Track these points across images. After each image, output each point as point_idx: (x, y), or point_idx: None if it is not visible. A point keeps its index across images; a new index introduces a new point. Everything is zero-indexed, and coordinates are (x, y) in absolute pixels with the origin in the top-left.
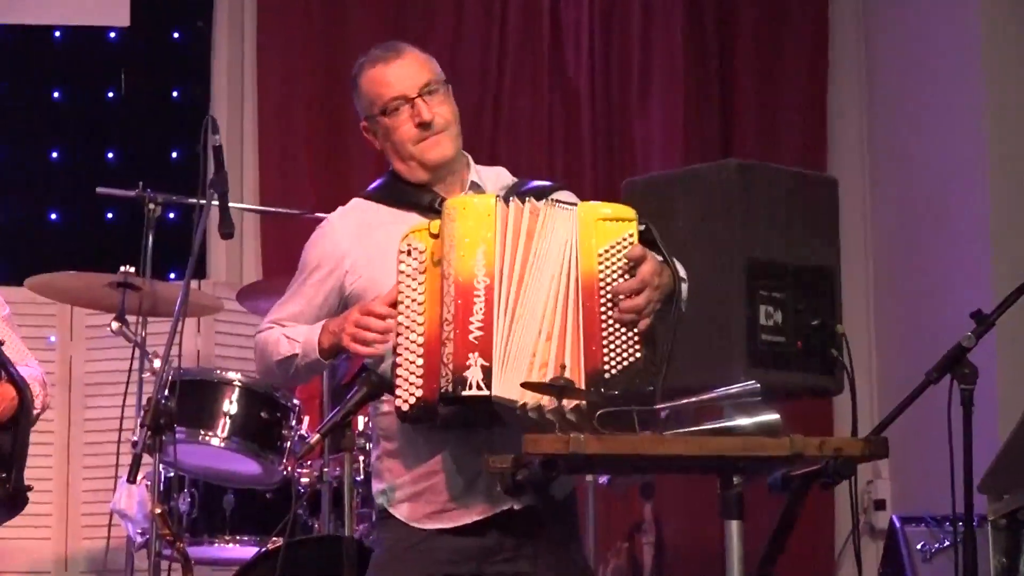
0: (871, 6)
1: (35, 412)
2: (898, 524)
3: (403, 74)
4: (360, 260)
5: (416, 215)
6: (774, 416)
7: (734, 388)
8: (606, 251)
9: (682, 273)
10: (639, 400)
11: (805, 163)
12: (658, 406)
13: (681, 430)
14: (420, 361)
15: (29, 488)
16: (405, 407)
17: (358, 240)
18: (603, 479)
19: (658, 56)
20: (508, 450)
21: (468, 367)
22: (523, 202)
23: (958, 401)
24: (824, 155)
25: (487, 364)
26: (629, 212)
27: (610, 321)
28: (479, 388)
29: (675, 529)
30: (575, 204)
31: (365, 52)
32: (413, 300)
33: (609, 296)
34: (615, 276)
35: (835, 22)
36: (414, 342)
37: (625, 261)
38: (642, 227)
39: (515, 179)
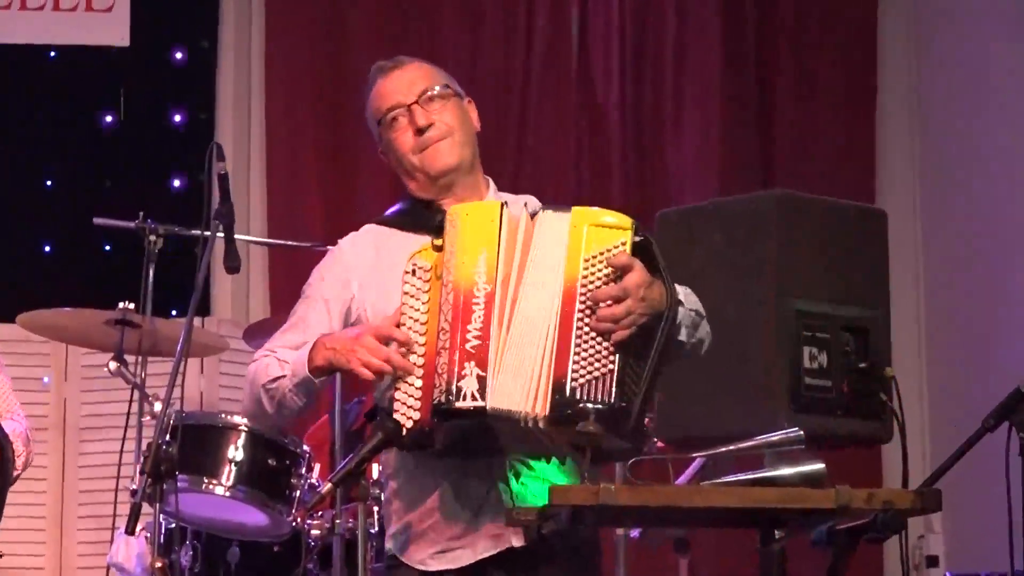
0: (922, 24)
1: (15, 472)
2: None
3: (401, 82)
4: (368, 285)
5: (428, 238)
6: (819, 465)
7: (776, 435)
8: (593, 257)
9: (683, 298)
10: (613, 417)
11: (852, 194)
12: (695, 454)
13: (719, 480)
14: (419, 383)
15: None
16: (402, 431)
17: (367, 265)
18: (635, 532)
19: (692, 78)
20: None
21: (464, 377)
22: (524, 208)
23: (1016, 450)
24: (872, 185)
25: (483, 374)
26: (625, 221)
27: (585, 329)
28: (474, 399)
29: None
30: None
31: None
32: (416, 320)
33: (588, 303)
34: (598, 283)
35: (884, 42)
36: (414, 363)
37: (611, 269)
38: (638, 238)
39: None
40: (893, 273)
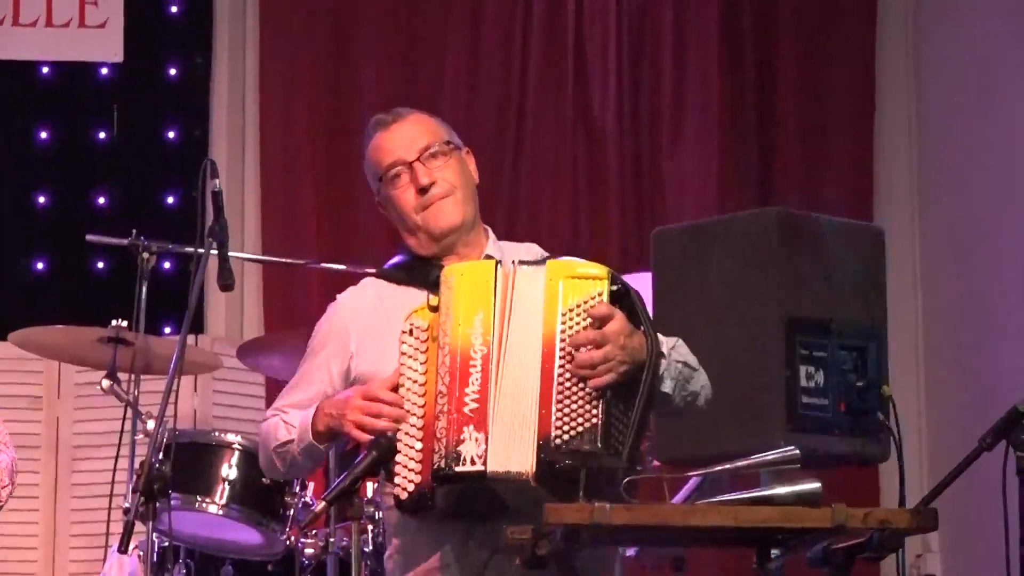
0: (920, 40)
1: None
2: None
3: (401, 138)
4: (366, 342)
5: (426, 294)
6: (815, 484)
7: (772, 454)
8: (570, 310)
9: (672, 350)
10: (600, 470)
11: (850, 210)
12: (691, 473)
13: (714, 499)
14: (419, 445)
15: None
16: (403, 495)
17: (365, 320)
18: (631, 551)
19: (691, 93)
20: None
21: (463, 441)
22: (512, 265)
23: (1013, 469)
24: (870, 203)
25: (482, 437)
26: (601, 270)
27: (566, 384)
28: (473, 463)
29: None
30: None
31: (376, 92)
32: (414, 382)
33: (567, 355)
34: (576, 335)
35: (882, 60)
36: (414, 426)
37: (590, 320)
38: (615, 287)
39: (546, 255)
40: (891, 291)
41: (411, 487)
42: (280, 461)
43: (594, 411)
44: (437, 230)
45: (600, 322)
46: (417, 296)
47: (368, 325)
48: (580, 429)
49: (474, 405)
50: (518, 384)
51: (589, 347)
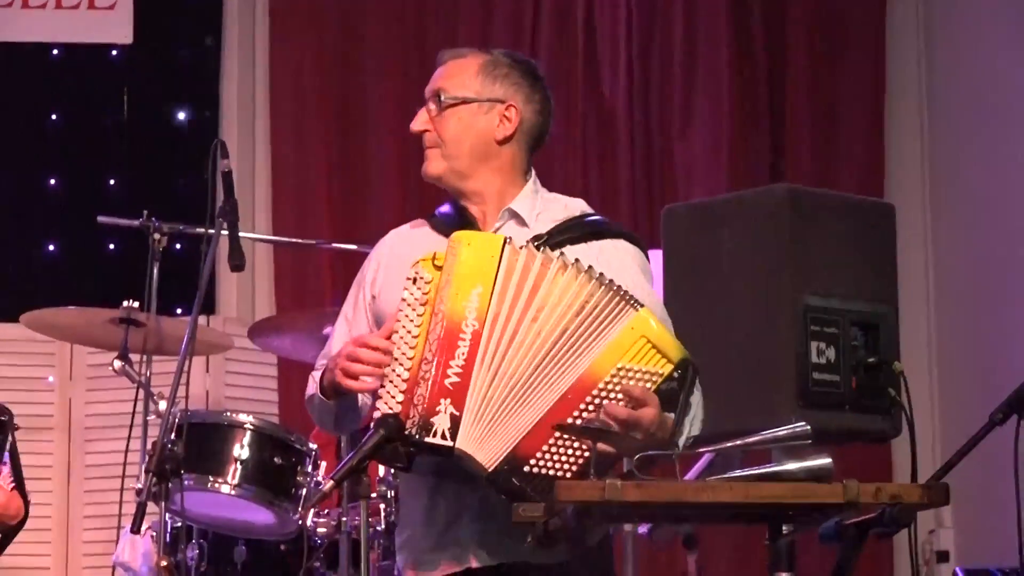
0: (932, 16)
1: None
2: None
3: (435, 74)
4: (385, 282)
5: (445, 240)
6: (826, 460)
7: (783, 431)
8: (628, 369)
9: (682, 440)
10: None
11: (860, 188)
12: (701, 449)
13: (726, 476)
14: (400, 397)
15: None
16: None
17: (393, 261)
18: (643, 529)
19: (701, 73)
20: (482, 503)
21: (437, 413)
22: (539, 250)
23: None
24: (881, 180)
25: (457, 414)
26: (678, 355)
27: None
28: (444, 438)
29: None
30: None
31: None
32: (408, 332)
33: (594, 407)
34: (615, 395)
35: (893, 37)
36: (399, 375)
37: (626, 395)
38: (677, 374)
39: (587, 212)
40: (902, 268)
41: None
42: (314, 415)
43: (576, 463)
44: (424, 175)
45: (636, 403)
46: (437, 241)
47: (392, 264)
48: (554, 472)
49: (455, 379)
50: (519, 379)
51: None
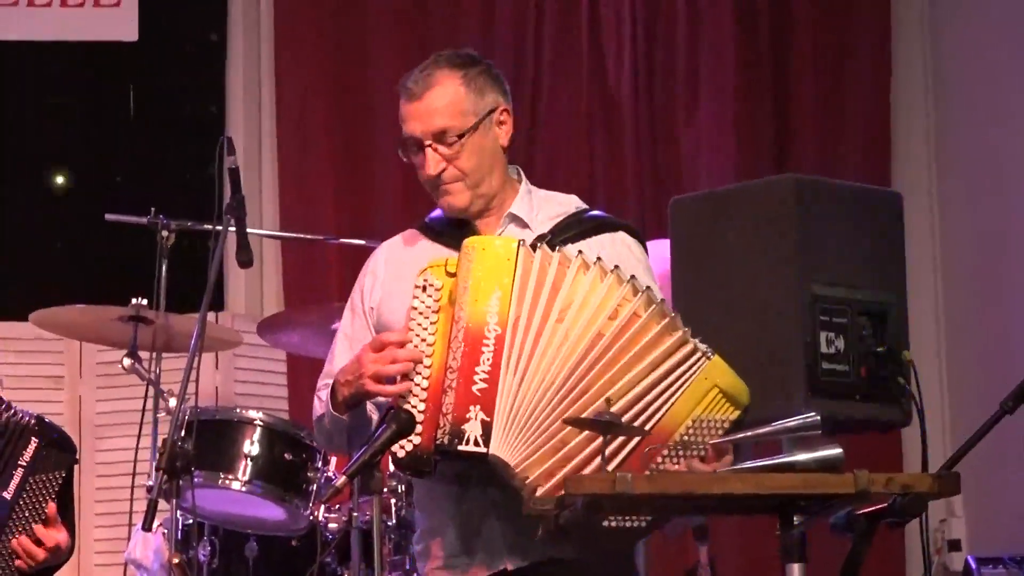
0: (937, 7)
1: None
2: (974, 566)
3: (420, 114)
4: (386, 295)
5: (450, 250)
6: (836, 450)
7: (793, 421)
8: (700, 421)
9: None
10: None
11: (867, 178)
12: (712, 441)
13: (736, 467)
14: (422, 406)
15: None
16: (401, 453)
17: (390, 273)
18: None
19: (706, 61)
20: (510, 505)
21: (468, 420)
22: (552, 250)
23: None
24: (888, 168)
25: (488, 420)
26: (745, 398)
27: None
28: (477, 445)
29: (732, 573)
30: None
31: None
32: (423, 340)
33: (672, 459)
34: (695, 448)
35: (899, 24)
36: (418, 385)
37: (707, 447)
38: (738, 418)
39: (583, 208)
40: (910, 257)
41: (409, 447)
42: (320, 436)
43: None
44: (447, 211)
45: (719, 455)
46: (438, 252)
47: (391, 277)
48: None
49: (483, 385)
50: (551, 382)
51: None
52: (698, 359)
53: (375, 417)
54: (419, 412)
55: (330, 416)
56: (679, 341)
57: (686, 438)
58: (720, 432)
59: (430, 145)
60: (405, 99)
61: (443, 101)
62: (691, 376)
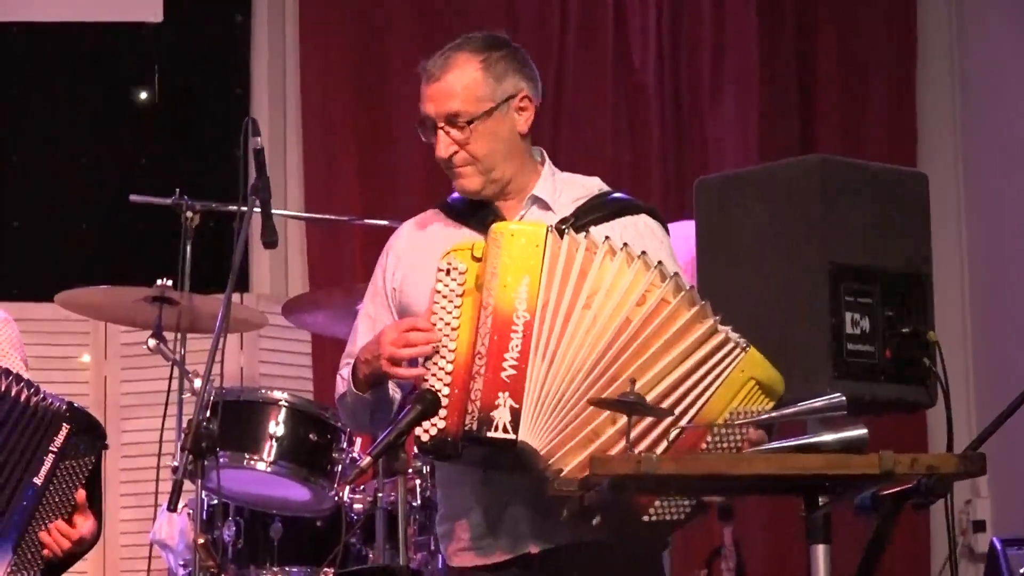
0: None
1: None
2: (999, 547)
3: (436, 95)
4: (408, 276)
5: (472, 232)
6: (861, 431)
7: (818, 402)
8: (737, 412)
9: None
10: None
11: (892, 157)
12: (737, 421)
13: (762, 447)
14: (446, 391)
15: None
16: (425, 437)
17: (412, 253)
18: None
19: (731, 43)
20: (533, 489)
21: (496, 407)
22: (578, 234)
23: None
24: (913, 149)
25: (516, 406)
26: (780, 387)
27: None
28: (506, 431)
29: (757, 554)
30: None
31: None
32: (447, 324)
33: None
34: (732, 439)
35: (925, 4)
36: (442, 368)
37: (742, 434)
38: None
39: (605, 190)
40: (935, 237)
41: (434, 431)
42: (345, 415)
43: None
44: (461, 192)
45: (753, 443)
46: (460, 233)
47: (413, 256)
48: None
49: (512, 372)
50: (579, 368)
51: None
52: (734, 351)
53: (397, 396)
54: (443, 396)
55: (352, 395)
56: (710, 329)
57: (724, 429)
58: (756, 416)
59: (443, 127)
60: (424, 79)
61: (459, 85)
62: (728, 368)
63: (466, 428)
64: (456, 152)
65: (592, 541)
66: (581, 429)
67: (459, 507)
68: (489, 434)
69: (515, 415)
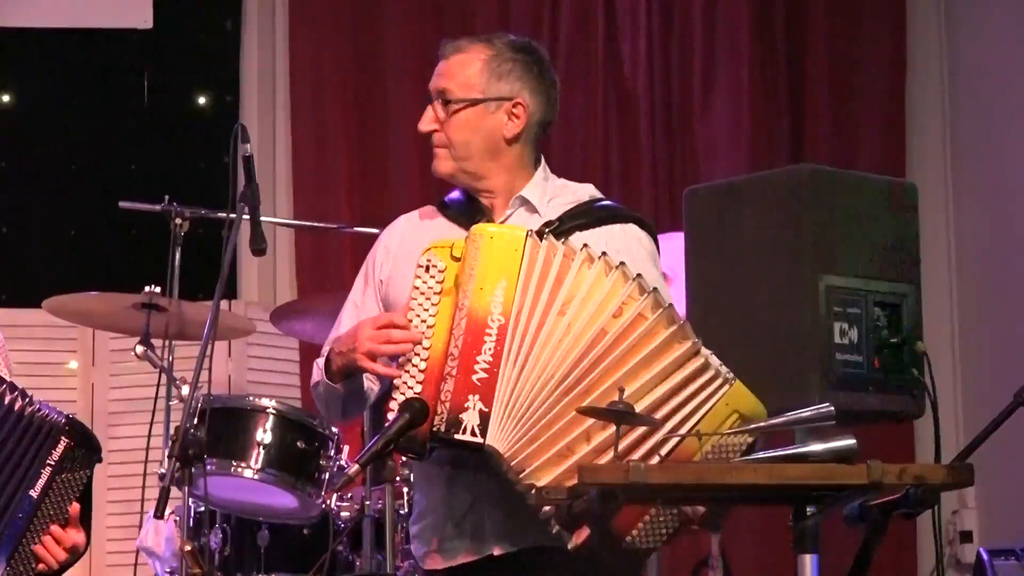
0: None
1: None
2: (986, 557)
3: (437, 72)
4: (396, 270)
5: (463, 231)
6: (850, 441)
7: (806, 412)
8: (721, 447)
9: None
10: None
11: (882, 168)
12: (726, 431)
13: (750, 457)
14: (418, 388)
15: None
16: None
17: (404, 247)
18: None
19: (722, 53)
20: (499, 491)
21: (466, 409)
22: (558, 239)
23: None
24: (903, 159)
25: (486, 410)
26: (763, 416)
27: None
28: (473, 434)
29: (745, 564)
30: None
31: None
32: (423, 321)
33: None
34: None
35: (914, 16)
36: (416, 366)
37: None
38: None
39: (596, 197)
40: (924, 247)
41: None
42: (319, 403)
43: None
44: (434, 173)
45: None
46: (449, 229)
47: (402, 251)
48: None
49: (483, 375)
50: (551, 375)
51: None
52: (718, 382)
53: (374, 389)
54: (415, 394)
55: (324, 384)
56: (690, 351)
57: (706, 452)
58: (739, 452)
59: (434, 103)
60: (440, 55)
61: (458, 67)
62: (713, 400)
63: (434, 429)
64: (435, 131)
65: (556, 546)
66: (553, 438)
67: (427, 507)
68: (457, 436)
69: (484, 419)
